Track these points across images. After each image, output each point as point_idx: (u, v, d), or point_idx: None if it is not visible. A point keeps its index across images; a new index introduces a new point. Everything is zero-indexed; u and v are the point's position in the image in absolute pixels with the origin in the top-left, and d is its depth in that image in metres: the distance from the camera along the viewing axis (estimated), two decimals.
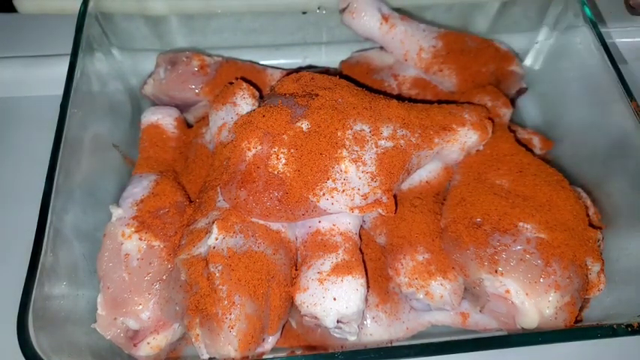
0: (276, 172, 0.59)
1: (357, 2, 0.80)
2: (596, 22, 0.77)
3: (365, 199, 0.62)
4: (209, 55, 0.86)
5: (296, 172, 0.59)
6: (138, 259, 0.62)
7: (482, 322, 0.66)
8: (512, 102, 0.85)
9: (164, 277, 0.62)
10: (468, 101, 0.79)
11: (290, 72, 0.81)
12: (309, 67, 0.94)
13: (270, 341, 0.61)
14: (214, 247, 0.58)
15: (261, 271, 0.58)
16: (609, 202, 0.72)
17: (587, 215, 0.68)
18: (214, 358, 0.56)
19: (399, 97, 0.78)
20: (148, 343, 0.61)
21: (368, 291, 0.62)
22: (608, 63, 0.73)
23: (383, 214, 0.62)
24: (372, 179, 0.61)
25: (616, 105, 0.71)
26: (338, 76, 0.71)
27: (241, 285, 0.56)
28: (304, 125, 0.61)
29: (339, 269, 0.60)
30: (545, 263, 0.59)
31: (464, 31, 0.88)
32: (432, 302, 0.64)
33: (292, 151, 0.60)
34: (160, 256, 0.63)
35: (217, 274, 0.56)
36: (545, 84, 0.89)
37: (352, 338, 0.61)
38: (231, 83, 0.75)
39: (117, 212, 0.66)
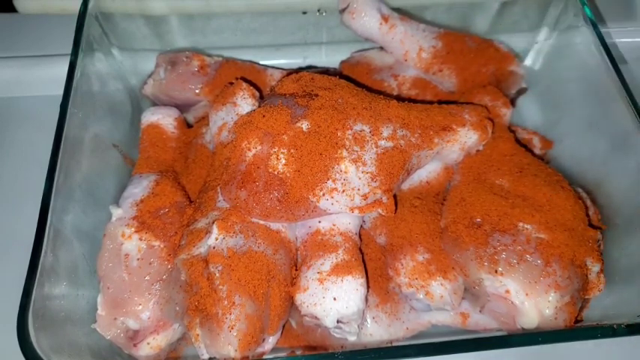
0: (276, 173, 0.59)
1: (356, 3, 0.80)
2: (596, 22, 0.77)
3: (365, 200, 0.62)
4: (209, 55, 0.86)
5: (296, 173, 0.59)
6: (138, 260, 0.62)
7: (483, 322, 0.66)
8: (512, 102, 0.85)
9: (164, 277, 0.62)
10: (468, 101, 0.79)
11: (290, 72, 0.81)
12: (309, 67, 0.94)
13: (271, 341, 0.61)
14: (214, 247, 0.58)
15: (261, 271, 0.58)
16: (609, 202, 0.72)
17: (587, 215, 0.68)
18: (214, 358, 0.56)
19: (399, 97, 0.78)
20: (148, 344, 0.62)
21: (368, 291, 0.62)
22: (608, 63, 0.73)
23: (383, 214, 0.62)
24: (372, 179, 0.61)
25: (616, 105, 0.71)
26: (338, 76, 0.71)
27: (241, 285, 0.56)
28: (304, 125, 0.61)
29: (339, 269, 0.60)
30: (545, 263, 0.59)
31: (464, 31, 0.88)
32: (432, 302, 0.64)
33: (292, 151, 0.60)
34: (160, 256, 0.63)
35: (217, 274, 0.56)
36: (545, 84, 0.89)
37: (352, 338, 0.61)
38: (231, 83, 0.75)
39: (117, 212, 0.66)
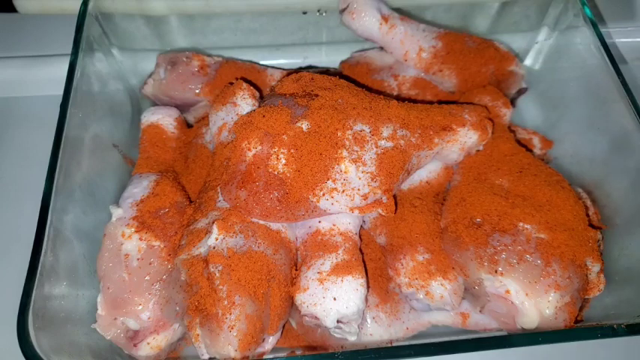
0: (276, 173, 0.59)
1: (356, 3, 0.80)
2: (596, 22, 0.77)
3: (365, 200, 0.62)
4: (209, 55, 0.86)
5: (296, 173, 0.59)
6: (138, 260, 0.62)
7: (483, 323, 0.66)
8: (512, 102, 0.85)
9: (164, 277, 0.62)
10: (468, 101, 0.79)
11: (290, 72, 0.81)
12: (309, 67, 0.94)
13: (271, 341, 0.61)
14: (214, 247, 0.58)
15: (261, 271, 0.58)
16: (609, 202, 0.72)
17: (587, 215, 0.68)
18: (214, 358, 0.56)
19: (399, 97, 0.78)
20: (148, 344, 0.62)
21: (368, 291, 0.62)
22: (608, 63, 0.73)
23: (383, 214, 0.62)
24: (372, 179, 0.61)
25: (616, 105, 0.71)
26: (338, 77, 0.71)
27: (241, 285, 0.56)
28: (304, 125, 0.61)
29: (339, 269, 0.60)
30: (545, 263, 0.59)
31: (464, 31, 0.88)
32: (432, 302, 0.64)
33: (292, 151, 0.60)
34: (159, 256, 0.63)
35: (217, 275, 0.56)
36: (545, 84, 0.89)
37: (352, 338, 0.61)
38: (231, 83, 0.75)
39: (117, 212, 0.66)
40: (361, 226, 0.69)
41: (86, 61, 0.73)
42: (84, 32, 0.74)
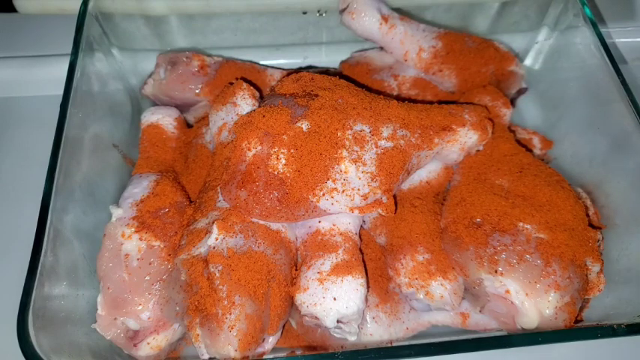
0: (276, 173, 0.59)
1: (356, 3, 0.81)
2: (596, 22, 0.77)
3: (365, 200, 0.62)
4: (209, 55, 0.86)
5: (296, 173, 0.59)
6: (138, 260, 0.62)
7: (483, 323, 0.66)
8: (512, 102, 0.85)
9: (164, 277, 0.62)
10: (468, 101, 0.79)
11: (290, 72, 0.81)
12: (309, 67, 0.94)
13: (271, 341, 0.61)
14: (214, 247, 0.58)
15: (261, 271, 0.58)
16: (609, 202, 0.72)
17: (587, 215, 0.68)
18: (214, 358, 0.56)
19: (399, 98, 0.78)
20: (148, 344, 0.62)
21: (368, 291, 0.62)
22: (608, 63, 0.73)
23: (383, 214, 0.62)
24: (372, 179, 0.61)
25: (616, 105, 0.71)
26: (338, 77, 0.71)
27: (241, 285, 0.56)
28: (304, 125, 0.61)
29: (339, 269, 0.60)
30: (545, 263, 0.59)
31: (464, 31, 0.88)
32: (432, 302, 0.64)
33: (292, 151, 0.60)
34: (159, 256, 0.63)
35: (217, 275, 0.56)
36: (545, 84, 0.89)
37: (352, 338, 0.61)
38: (231, 83, 0.75)
39: (117, 212, 0.66)
40: (361, 226, 0.69)
41: (86, 61, 0.73)
42: (84, 32, 0.74)
